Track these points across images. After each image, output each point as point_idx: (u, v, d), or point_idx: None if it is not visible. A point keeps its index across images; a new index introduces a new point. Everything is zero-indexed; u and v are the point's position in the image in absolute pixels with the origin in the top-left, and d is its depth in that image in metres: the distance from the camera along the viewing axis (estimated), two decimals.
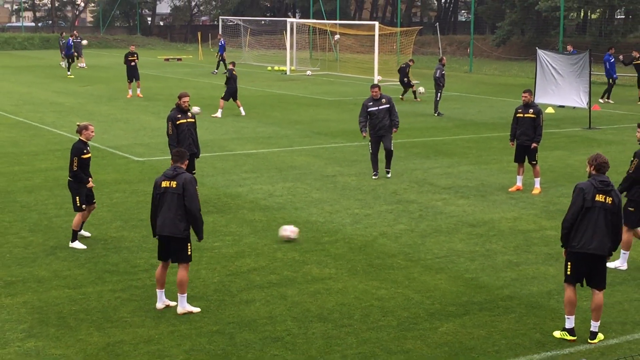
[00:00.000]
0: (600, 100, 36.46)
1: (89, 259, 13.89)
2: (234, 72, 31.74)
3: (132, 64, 38.17)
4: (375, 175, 20.19)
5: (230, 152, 23.87)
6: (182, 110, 17.26)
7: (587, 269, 10.61)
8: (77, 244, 14.63)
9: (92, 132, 14.72)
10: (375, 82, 43.51)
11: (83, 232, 15.06)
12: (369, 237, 15.32)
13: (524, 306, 11.89)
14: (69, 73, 49.06)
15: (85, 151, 14.52)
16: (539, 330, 11.02)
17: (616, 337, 10.81)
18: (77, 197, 14.63)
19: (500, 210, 17.38)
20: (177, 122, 17.21)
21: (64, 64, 52.52)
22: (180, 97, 17.30)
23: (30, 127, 28.71)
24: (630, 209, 13.57)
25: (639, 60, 37.42)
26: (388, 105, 19.99)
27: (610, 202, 10.58)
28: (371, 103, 20.00)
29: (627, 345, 10.60)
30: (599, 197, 10.55)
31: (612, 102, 36.78)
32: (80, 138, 14.60)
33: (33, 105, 34.85)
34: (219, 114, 31.30)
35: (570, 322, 10.62)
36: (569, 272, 10.67)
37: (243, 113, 31.87)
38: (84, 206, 14.67)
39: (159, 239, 11.61)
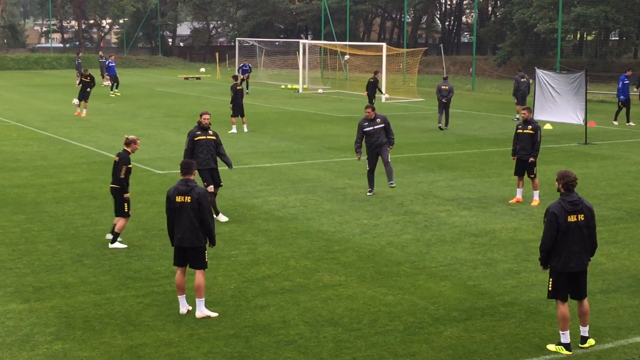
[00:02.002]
0: (614, 122, 35.28)
1: (113, 266, 13.92)
2: (237, 88, 31.41)
3: (88, 89, 37.13)
4: (370, 192, 19.72)
5: (246, 166, 23.90)
6: (202, 127, 17.11)
7: (569, 284, 10.46)
8: (117, 245, 15.07)
9: (138, 146, 15.36)
10: (383, 100, 43.57)
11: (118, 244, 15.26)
12: (377, 246, 15.30)
13: (523, 312, 11.85)
14: (114, 92, 48.13)
15: (130, 161, 15.18)
16: (538, 335, 10.98)
17: (611, 342, 10.76)
18: (126, 204, 15.07)
19: (501, 221, 17.35)
20: (196, 139, 16.98)
21: (106, 83, 52.03)
22: (201, 115, 17.21)
23: (58, 141, 28.82)
24: None
25: None
26: (383, 125, 19.49)
27: (582, 219, 10.38)
28: (366, 123, 19.56)
29: (622, 349, 10.55)
30: (571, 218, 10.34)
31: (616, 123, 35.22)
32: (126, 149, 15.07)
33: (61, 121, 34.98)
34: (234, 129, 31.26)
35: (565, 337, 10.43)
36: (550, 288, 10.52)
37: (234, 130, 31.15)
38: (130, 212, 15.20)
39: (177, 248, 11.65)
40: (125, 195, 15.03)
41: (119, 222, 15.06)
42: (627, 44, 62.96)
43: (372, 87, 37.71)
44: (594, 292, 12.47)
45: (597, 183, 21.49)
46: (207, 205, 11.47)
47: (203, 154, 16.85)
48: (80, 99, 37.22)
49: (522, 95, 37.71)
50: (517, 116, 37.08)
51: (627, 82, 35.72)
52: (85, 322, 11.34)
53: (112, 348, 10.46)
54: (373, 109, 19.71)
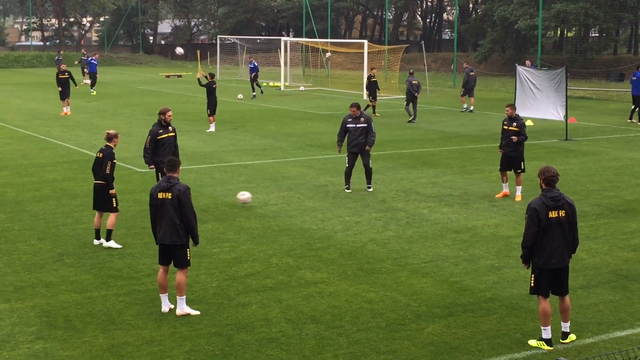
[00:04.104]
0: (628, 121, 34.52)
1: (94, 265, 13.87)
2: (213, 86, 31.15)
3: (67, 88, 36.36)
4: (347, 188, 19.75)
5: (227, 164, 23.86)
6: (163, 125, 17.08)
7: (551, 280, 10.50)
8: (112, 243, 14.93)
9: (118, 140, 15.41)
10: (365, 97, 43.58)
11: (97, 241, 15.16)
12: (359, 243, 15.32)
13: (505, 308, 11.90)
14: (93, 89, 48.16)
15: (114, 156, 15.16)
16: (519, 330, 11.03)
17: (592, 337, 10.82)
18: (114, 199, 15.01)
19: (483, 217, 17.40)
20: (158, 138, 17.01)
21: (87, 81, 51.66)
22: (165, 112, 17.10)
23: (39, 140, 28.67)
24: None
25: None
26: (365, 125, 19.52)
27: (563, 215, 10.40)
28: (350, 119, 19.64)
29: (602, 344, 10.61)
30: (552, 214, 10.36)
31: (636, 121, 34.35)
32: (109, 144, 15.06)
33: (41, 120, 34.80)
34: (212, 128, 31.04)
35: (547, 333, 10.47)
36: (532, 284, 10.56)
37: (212, 129, 30.95)
38: (118, 206, 15.16)
39: (160, 246, 11.63)
40: (111, 192, 14.98)
41: (110, 218, 14.99)
42: (607, 41, 63.31)
43: (372, 85, 37.36)
44: (575, 287, 12.54)
45: (577, 179, 21.60)
46: (187, 202, 11.42)
47: (165, 152, 16.92)
48: (62, 98, 36.71)
49: (471, 88, 39.23)
50: (465, 107, 39.26)
51: None
52: (67, 322, 11.29)
53: (94, 347, 10.42)
54: (358, 108, 19.74)
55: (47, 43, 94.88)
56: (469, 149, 27.04)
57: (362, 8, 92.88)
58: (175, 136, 17.42)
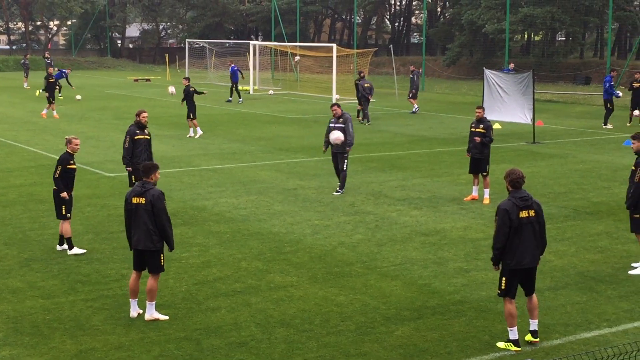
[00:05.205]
0: (604, 126, 34.04)
1: (61, 270, 13.75)
2: (190, 89, 30.69)
3: (57, 87, 36.34)
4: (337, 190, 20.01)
5: (196, 168, 23.77)
6: (140, 126, 17.25)
7: (520, 280, 10.61)
8: (75, 250, 14.71)
9: (77, 145, 14.95)
10: (334, 100, 43.64)
11: (59, 247, 14.98)
12: (329, 246, 15.33)
13: (473, 310, 11.96)
14: (59, 95, 47.54)
15: (71, 162, 14.79)
16: (487, 332, 11.09)
17: (559, 338, 10.91)
18: (63, 206, 14.72)
19: (451, 220, 17.48)
20: (135, 137, 17.24)
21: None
22: (139, 114, 17.37)
23: (5, 145, 28.39)
24: (635, 216, 13.79)
25: (639, 83, 34.32)
26: (342, 125, 19.72)
27: (533, 214, 10.52)
28: (333, 120, 20.03)
29: (569, 345, 10.70)
30: (523, 214, 10.47)
31: (610, 126, 34.01)
32: (67, 150, 14.83)
33: (8, 124, 34.46)
34: (199, 131, 30.67)
35: (514, 334, 10.54)
36: (503, 287, 10.60)
37: (191, 134, 30.46)
38: (69, 215, 14.77)
39: (134, 251, 11.55)
40: (62, 195, 14.71)
41: (64, 226, 14.74)
42: (574, 44, 63.85)
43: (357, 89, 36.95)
44: (543, 289, 12.63)
45: (545, 182, 21.77)
46: (161, 207, 11.35)
47: (141, 153, 17.16)
48: (52, 101, 36.89)
49: (417, 88, 40.19)
50: (416, 107, 39.70)
51: (612, 82, 34.89)
52: (34, 327, 11.18)
53: (62, 353, 10.34)
54: (337, 106, 20.00)
55: (14, 47, 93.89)
56: (437, 152, 27.16)
57: (331, 12, 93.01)
58: (149, 140, 17.58)
